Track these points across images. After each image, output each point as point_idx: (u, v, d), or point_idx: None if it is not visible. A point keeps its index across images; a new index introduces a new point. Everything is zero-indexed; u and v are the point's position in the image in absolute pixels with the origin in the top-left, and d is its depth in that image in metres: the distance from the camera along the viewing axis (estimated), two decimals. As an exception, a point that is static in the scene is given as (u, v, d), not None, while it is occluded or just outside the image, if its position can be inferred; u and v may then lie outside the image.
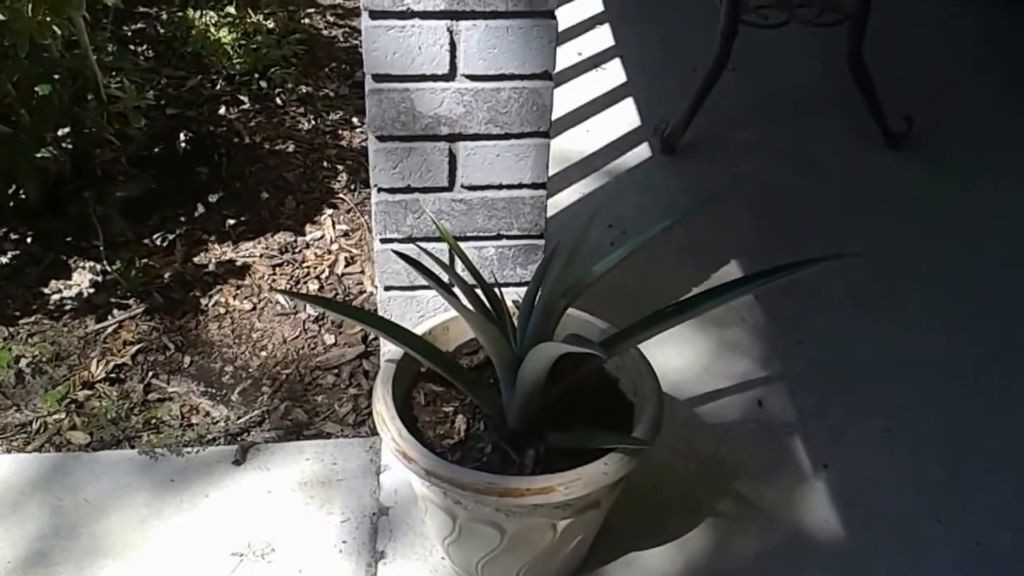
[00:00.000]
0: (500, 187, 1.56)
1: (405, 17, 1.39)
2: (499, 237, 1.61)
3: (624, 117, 2.68)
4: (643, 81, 2.83)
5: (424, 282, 1.64)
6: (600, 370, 1.56)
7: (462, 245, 1.60)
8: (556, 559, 1.47)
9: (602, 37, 3.02)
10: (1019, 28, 3.14)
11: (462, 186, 1.55)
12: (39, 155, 1.96)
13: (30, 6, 1.71)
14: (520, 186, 1.56)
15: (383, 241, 1.59)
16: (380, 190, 1.54)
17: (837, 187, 2.48)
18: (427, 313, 1.66)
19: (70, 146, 2.11)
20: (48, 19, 1.76)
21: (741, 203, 2.40)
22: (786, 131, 2.69)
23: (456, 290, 1.40)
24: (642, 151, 2.56)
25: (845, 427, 1.89)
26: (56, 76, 1.99)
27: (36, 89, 1.92)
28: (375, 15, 1.39)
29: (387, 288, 1.63)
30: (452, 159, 1.52)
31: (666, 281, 2.14)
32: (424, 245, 1.54)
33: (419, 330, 1.52)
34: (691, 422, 1.87)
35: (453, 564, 1.53)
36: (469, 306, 1.37)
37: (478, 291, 1.41)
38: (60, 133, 2.10)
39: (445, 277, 1.43)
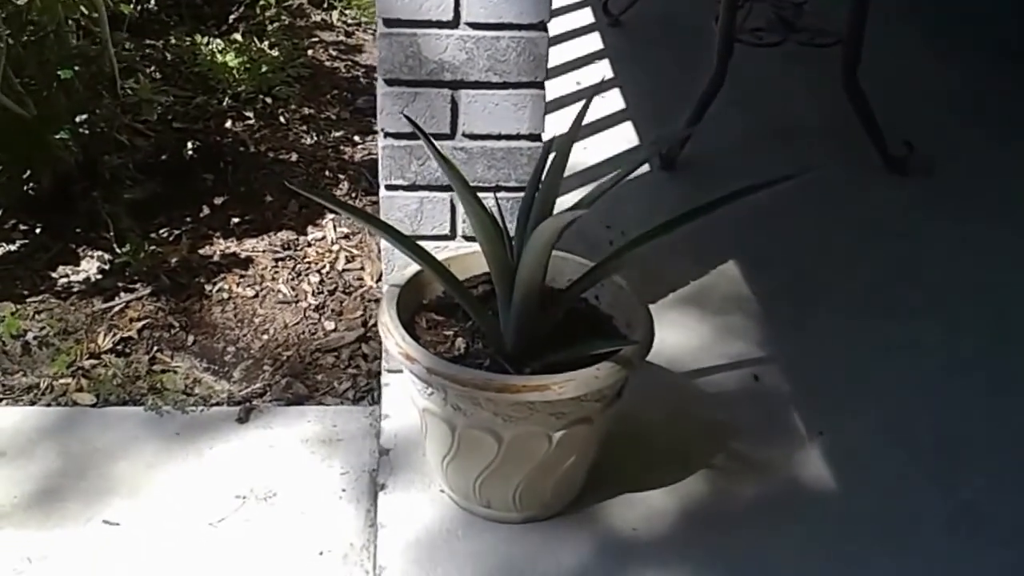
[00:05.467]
0: (499, 137, 1.80)
1: (414, -37, 1.68)
2: (497, 189, 1.85)
3: (623, 137, 2.96)
4: (641, 108, 3.11)
5: (424, 233, 1.89)
6: (593, 309, 1.78)
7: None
8: (551, 479, 1.66)
9: (602, 70, 3.34)
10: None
11: (463, 134, 1.80)
12: (57, 136, 2.22)
13: (62, -19, 2.00)
14: (518, 136, 1.81)
15: (388, 188, 1.83)
16: (387, 135, 1.79)
17: (836, 206, 2.73)
18: (429, 261, 1.89)
19: (86, 131, 2.38)
20: (76, -3, 2.06)
21: (741, 215, 2.65)
22: (786, 154, 2.95)
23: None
24: (641, 167, 2.83)
25: (839, 402, 2.08)
26: (76, 66, 2.28)
27: (58, 73, 2.20)
28: (387, -40, 1.67)
29: (384, 238, 1.85)
30: (454, 106, 1.77)
31: (664, 276, 2.37)
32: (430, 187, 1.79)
33: (418, 267, 1.75)
34: (688, 391, 2.08)
35: (452, 491, 1.72)
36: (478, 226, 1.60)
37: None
38: (77, 120, 2.37)
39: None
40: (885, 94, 2.95)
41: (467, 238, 1.86)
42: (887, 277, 2.45)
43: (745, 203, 2.71)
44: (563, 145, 1.59)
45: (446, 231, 1.86)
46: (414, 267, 1.73)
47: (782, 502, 1.84)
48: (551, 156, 1.62)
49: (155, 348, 2.19)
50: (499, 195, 1.84)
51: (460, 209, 1.84)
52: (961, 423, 2.03)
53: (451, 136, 1.79)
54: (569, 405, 1.54)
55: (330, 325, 2.32)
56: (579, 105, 3.06)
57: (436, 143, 1.79)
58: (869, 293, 2.40)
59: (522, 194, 1.85)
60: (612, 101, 3.17)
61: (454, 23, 1.71)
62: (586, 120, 2.99)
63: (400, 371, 1.92)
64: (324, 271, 2.46)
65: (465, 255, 1.79)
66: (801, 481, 1.90)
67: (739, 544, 1.74)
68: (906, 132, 2.89)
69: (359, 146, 2.92)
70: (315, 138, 2.91)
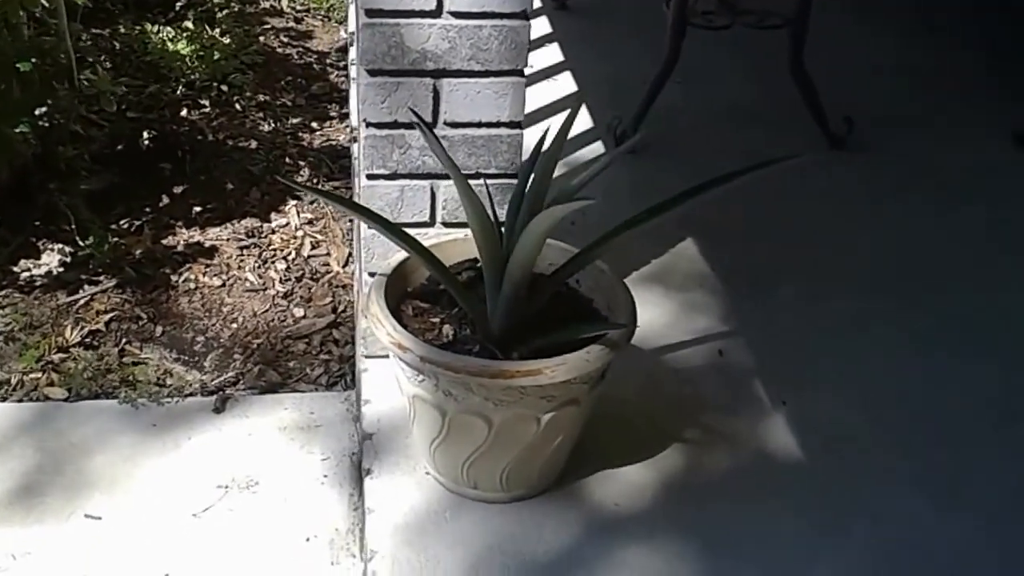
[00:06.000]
0: (480, 125, 1.79)
1: (396, -46, 1.65)
2: (478, 176, 1.83)
3: (578, 120, 2.96)
4: (594, 91, 3.12)
5: (404, 221, 1.87)
6: (574, 292, 1.78)
7: (442, 184, 1.83)
8: (538, 459, 1.66)
9: (552, 54, 3.33)
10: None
11: (445, 123, 1.78)
12: (17, 130, 2.16)
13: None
14: (498, 124, 1.80)
15: (369, 177, 1.81)
16: (368, 125, 1.76)
17: (785, 184, 2.76)
18: (409, 252, 1.87)
19: (47, 124, 2.32)
20: (38, -10, 1.99)
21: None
22: (734, 134, 2.98)
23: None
24: (597, 147, 2.84)
25: (800, 373, 2.11)
26: (32, 60, 2.21)
27: (17, 66, 2.14)
28: (370, -48, 1.65)
29: (371, 226, 1.84)
30: (436, 95, 1.75)
31: (626, 256, 2.39)
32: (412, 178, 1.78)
33: (404, 254, 1.73)
34: (657, 368, 2.09)
35: (438, 473, 1.71)
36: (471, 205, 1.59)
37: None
38: (36, 113, 2.30)
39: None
40: (829, 74, 3.00)
41: (446, 225, 1.85)
42: (841, 253, 2.49)
43: (691, 180, 2.77)
44: (559, 133, 1.59)
45: (426, 218, 1.85)
46: (399, 256, 1.72)
47: (753, 472, 1.87)
48: (546, 144, 1.62)
49: (124, 340, 2.15)
50: (480, 182, 1.83)
51: (440, 197, 1.83)
52: (921, 392, 2.06)
53: (433, 125, 1.78)
54: (559, 388, 1.55)
55: (299, 312, 2.29)
56: (534, 88, 3.12)
57: (418, 131, 1.78)
58: (824, 269, 2.43)
59: (502, 181, 1.86)
60: (564, 84, 3.17)
61: (437, 12, 1.69)
62: (540, 103, 3.07)
63: (380, 356, 1.92)
64: (290, 258, 2.43)
65: (446, 242, 1.78)
66: (769, 451, 1.93)
67: (716, 515, 1.76)
68: (849, 111, 2.94)
69: (317, 132, 2.89)
70: (272, 125, 2.87)
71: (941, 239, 2.56)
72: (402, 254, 1.72)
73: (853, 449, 1.92)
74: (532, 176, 1.62)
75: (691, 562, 1.68)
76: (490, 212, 1.60)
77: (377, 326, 1.59)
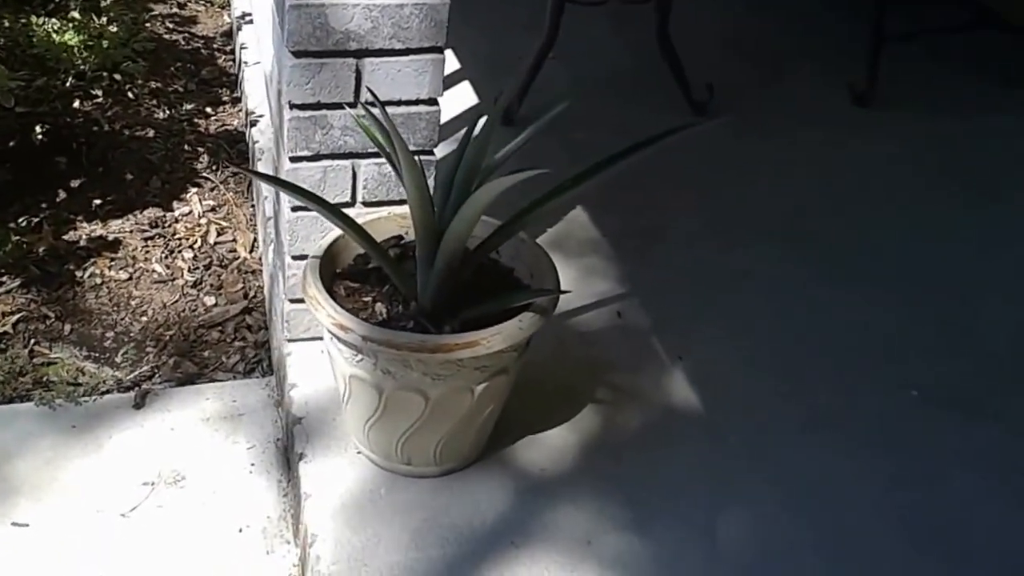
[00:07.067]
0: (400, 103, 1.67)
1: (321, -63, 1.51)
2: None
3: (463, 96, 2.84)
4: (476, 67, 3.00)
5: (329, 201, 1.73)
6: (495, 263, 1.68)
7: (363, 163, 1.70)
8: (470, 431, 1.57)
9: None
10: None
11: (366, 102, 1.65)
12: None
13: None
14: (417, 102, 1.68)
15: (293, 159, 1.66)
16: (292, 106, 1.62)
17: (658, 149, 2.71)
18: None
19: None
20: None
21: (570, 163, 2.60)
22: (608, 106, 2.91)
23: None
24: (482, 123, 2.72)
25: (692, 328, 2.07)
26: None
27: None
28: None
29: (295, 209, 1.70)
30: (358, 75, 1.62)
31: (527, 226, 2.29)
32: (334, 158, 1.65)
33: (334, 234, 1.61)
34: (563, 332, 2.01)
35: (371, 452, 1.60)
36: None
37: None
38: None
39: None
40: (691, 47, 2.95)
41: (366, 204, 1.72)
42: (720, 211, 2.45)
43: (573, 152, 2.68)
44: (495, 111, 1.49)
45: (347, 198, 1.71)
46: (330, 236, 1.60)
47: (661, 427, 1.82)
48: (480, 121, 1.51)
49: (32, 341, 1.94)
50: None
51: (360, 176, 1.70)
52: (800, 339, 2.05)
53: (354, 105, 1.65)
54: (492, 358, 1.46)
55: (211, 300, 2.12)
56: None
57: (339, 112, 1.65)
58: (702, 227, 2.40)
59: (421, 158, 1.73)
60: (447, 62, 3.03)
61: (360, -7, 1.56)
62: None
63: (302, 340, 1.78)
64: (196, 246, 2.25)
65: (371, 221, 1.65)
66: (672, 405, 1.88)
67: (632, 472, 1.70)
68: (709, 79, 2.90)
69: (212, 118, 2.68)
70: (167, 112, 2.65)
71: (806, 193, 2.55)
72: (332, 235, 1.61)
73: (745, 399, 1.90)
74: (465, 150, 1.51)
75: (613, 518, 1.63)
76: (427, 188, 1.49)
77: (317, 308, 1.47)
